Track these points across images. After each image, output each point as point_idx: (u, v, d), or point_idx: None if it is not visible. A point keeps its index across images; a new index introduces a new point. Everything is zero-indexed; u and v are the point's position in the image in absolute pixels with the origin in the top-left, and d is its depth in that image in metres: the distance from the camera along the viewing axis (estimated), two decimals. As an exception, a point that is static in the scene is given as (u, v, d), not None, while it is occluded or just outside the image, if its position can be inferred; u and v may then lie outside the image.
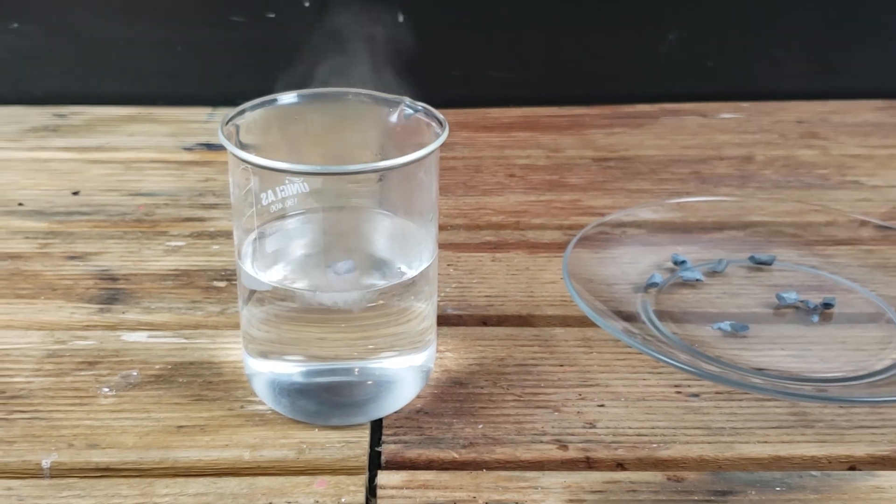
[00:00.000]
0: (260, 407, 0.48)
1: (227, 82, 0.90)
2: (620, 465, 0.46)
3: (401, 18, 0.88)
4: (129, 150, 0.81)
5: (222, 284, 0.60)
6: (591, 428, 0.48)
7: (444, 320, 0.56)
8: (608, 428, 0.48)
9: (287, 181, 0.44)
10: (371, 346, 0.47)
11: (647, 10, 0.93)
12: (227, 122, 0.45)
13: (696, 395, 0.50)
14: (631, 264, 0.61)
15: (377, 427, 0.48)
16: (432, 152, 0.44)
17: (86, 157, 0.79)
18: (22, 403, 0.49)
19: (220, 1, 0.88)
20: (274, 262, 0.48)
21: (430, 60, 0.92)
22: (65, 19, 0.91)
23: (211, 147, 0.82)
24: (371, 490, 0.44)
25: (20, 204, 0.71)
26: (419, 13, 0.89)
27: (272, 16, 0.84)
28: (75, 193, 0.73)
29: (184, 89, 0.92)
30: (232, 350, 0.53)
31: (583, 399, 0.50)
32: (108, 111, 0.90)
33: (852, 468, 0.46)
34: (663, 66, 0.95)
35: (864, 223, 0.65)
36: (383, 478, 0.44)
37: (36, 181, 0.75)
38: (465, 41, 0.93)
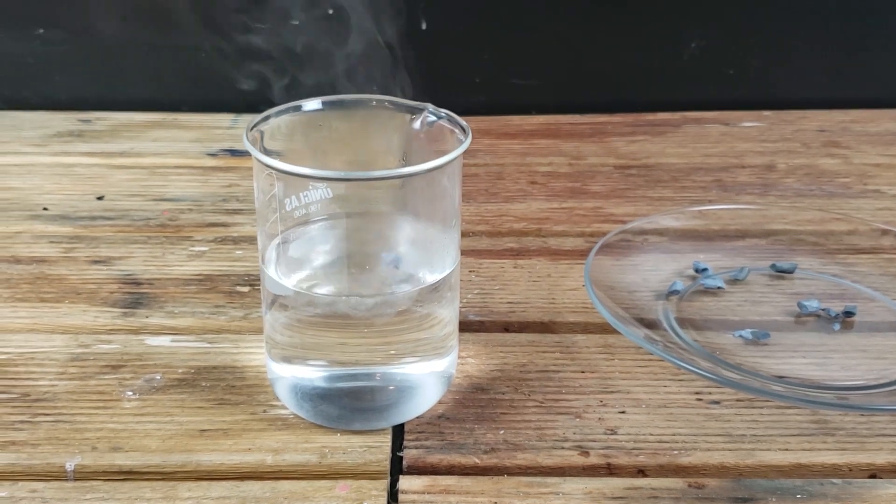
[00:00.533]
0: (282, 411, 0.49)
1: (251, 88, 0.90)
2: (641, 472, 0.46)
3: (424, 26, 0.89)
4: (154, 155, 0.82)
5: (245, 289, 0.60)
6: (612, 434, 0.48)
7: (465, 326, 0.56)
8: (629, 434, 0.48)
9: (311, 187, 0.45)
10: (393, 352, 0.47)
11: (669, 19, 0.93)
12: (252, 128, 0.46)
13: (717, 403, 0.50)
14: (652, 272, 0.61)
15: (399, 432, 0.48)
16: (455, 159, 0.44)
17: (110, 163, 0.80)
18: (46, 406, 0.49)
19: (245, 8, 0.89)
20: (297, 266, 0.48)
21: (452, 68, 0.92)
22: (90, 25, 0.92)
23: (235, 153, 0.82)
24: (393, 495, 0.44)
25: (45, 208, 0.71)
26: (442, 21, 0.90)
27: (296, 23, 0.85)
28: (100, 198, 0.73)
29: (208, 95, 0.93)
30: (254, 355, 0.53)
31: (604, 405, 0.50)
32: (133, 117, 0.90)
33: (873, 476, 0.46)
34: (685, 75, 0.95)
35: (885, 232, 0.65)
36: (405, 482, 0.44)
37: (60, 186, 0.76)
38: (487, 49, 0.93)
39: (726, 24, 0.93)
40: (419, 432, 0.48)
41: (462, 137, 0.45)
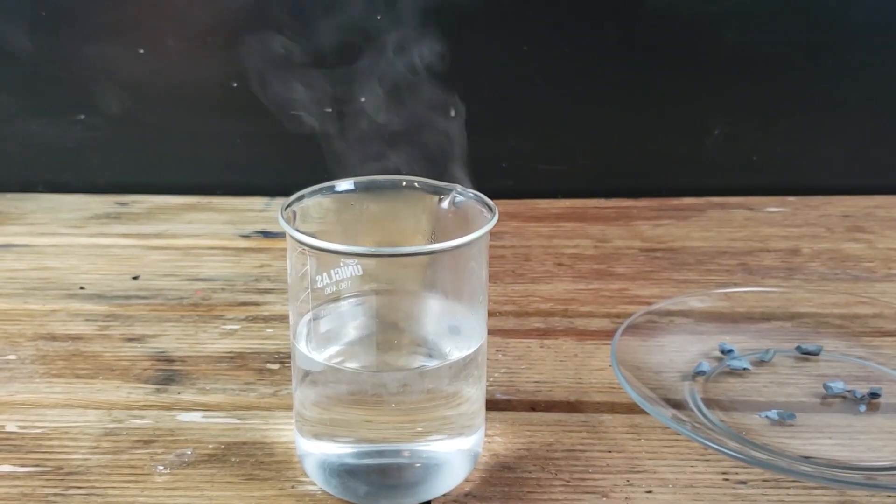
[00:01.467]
0: (311, 487, 0.49)
1: (284, 173, 0.92)
2: (668, 551, 0.46)
3: (452, 113, 0.91)
4: (188, 236, 0.84)
5: (275, 367, 0.61)
6: (638, 513, 0.48)
7: (492, 405, 0.56)
8: (655, 513, 0.48)
9: (342, 264, 0.46)
10: (420, 429, 0.48)
11: (692, 106, 0.94)
12: (287, 207, 0.47)
13: (743, 483, 0.50)
14: (678, 353, 0.62)
15: (425, 509, 0.48)
16: (481, 236, 0.45)
17: (146, 244, 0.82)
18: (79, 480, 0.50)
19: (280, 96, 0.92)
20: (327, 342, 0.49)
21: (480, 153, 0.94)
22: (129, 112, 0.94)
23: (267, 234, 0.84)
24: (419, 570, 0.44)
25: (81, 287, 0.73)
26: (471, 108, 0.92)
27: (329, 110, 0.87)
28: (135, 278, 0.75)
29: (242, 180, 0.95)
30: (283, 431, 0.54)
31: (631, 485, 0.50)
32: (168, 200, 0.93)
33: (903, 559, 0.45)
34: (709, 161, 0.96)
35: (911, 315, 0.66)
36: (431, 558, 0.45)
37: (97, 266, 0.77)
38: (515, 135, 0.95)
39: (749, 112, 0.95)
40: (446, 509, 0.48)
41: (489, 216, 0.47)
